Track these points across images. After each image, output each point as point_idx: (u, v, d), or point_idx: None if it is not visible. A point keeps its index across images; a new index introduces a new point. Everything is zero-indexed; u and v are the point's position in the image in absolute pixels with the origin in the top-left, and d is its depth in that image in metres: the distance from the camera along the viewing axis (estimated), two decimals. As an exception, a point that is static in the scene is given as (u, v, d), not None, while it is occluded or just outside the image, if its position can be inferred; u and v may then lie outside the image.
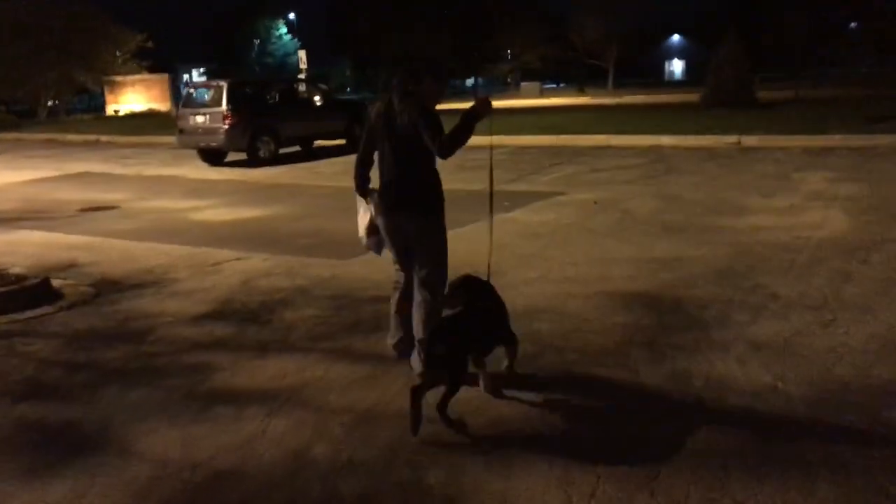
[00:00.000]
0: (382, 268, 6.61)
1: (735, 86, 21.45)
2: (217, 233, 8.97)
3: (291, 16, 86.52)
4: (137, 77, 40.61)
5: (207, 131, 16.04)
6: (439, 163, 4.00)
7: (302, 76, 23.51)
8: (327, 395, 4.03)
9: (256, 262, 7.26)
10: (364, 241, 4.37)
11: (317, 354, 4.66)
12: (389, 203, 4.05)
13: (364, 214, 4.28)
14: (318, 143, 18.71)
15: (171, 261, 7.48)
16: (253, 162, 15.83)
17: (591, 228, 8.09)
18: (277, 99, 17.71)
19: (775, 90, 25.33)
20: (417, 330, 4.04)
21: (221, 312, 5.68)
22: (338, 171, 14.08)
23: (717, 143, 14.99)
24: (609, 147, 15.70)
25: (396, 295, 4.28)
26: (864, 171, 10.95)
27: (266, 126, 16.29)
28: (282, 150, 16.72)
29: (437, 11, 62.35)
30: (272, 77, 44.80)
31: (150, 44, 40.49)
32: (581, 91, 54.77)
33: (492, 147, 4.51)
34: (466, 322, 3.73)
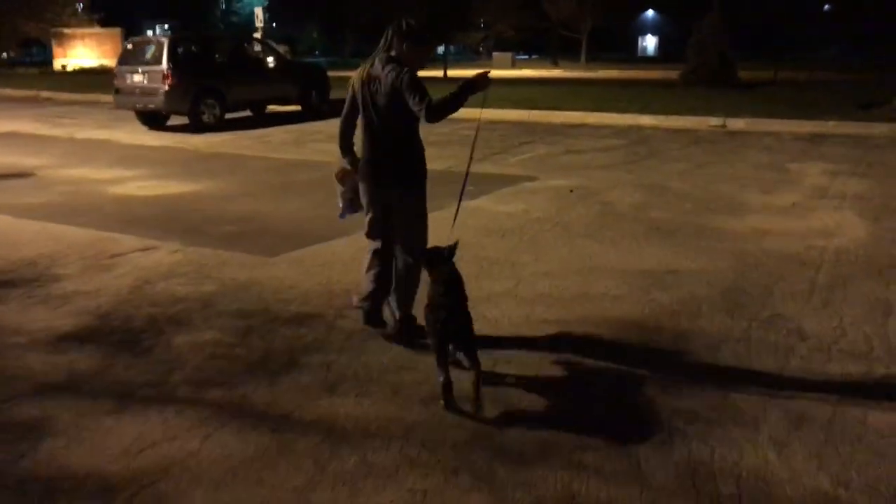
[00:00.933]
0: (312, 271, 5.44)
1: (717, 63, 20.32)
2: (132, 212, 7.65)
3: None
4: (88, 31, 38.35)
5: (146, 92, 14.48)
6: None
7: (257, 35, 21.67)
8: (193, 492, 2.78)
9: (162, 256, 5.96)
10: (339, 205, 4.28)
11: (199, 410, 3.40)
12: (372, 174, 3.95)
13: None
14: (272, 108, 17.25)
15: (63, 249, 6.15)
16: (196, 127, 14.34)
17: (566, 225, 6.89)
18: (226, 59, 16.12)
19: (753, 70, 24.20)
20: (395, 300, 4.08)
21: (94, 331, 4.39)
22: (288, 141, 12.71)
23: (701, 124, 13.88)
24: (584, 125, 14.53)
25: (369, 257, 4.12)
26: (864, 163, 9.89)
27: (211, 88, 14.74)
28: (229, 115, 15.23)
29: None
30: (221, 34, 42.48)
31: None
32: (554, 63, 53.53)
33: (479, 127, 4.42)
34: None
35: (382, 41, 3.79)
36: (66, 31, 37.69)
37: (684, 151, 11.17)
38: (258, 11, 18.56)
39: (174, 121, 14.96)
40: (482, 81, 3.68)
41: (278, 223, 7.10)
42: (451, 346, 3.43)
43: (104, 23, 40.12)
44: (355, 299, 4.23)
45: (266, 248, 6.08)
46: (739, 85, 20.61)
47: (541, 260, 5.75)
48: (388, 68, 3.71)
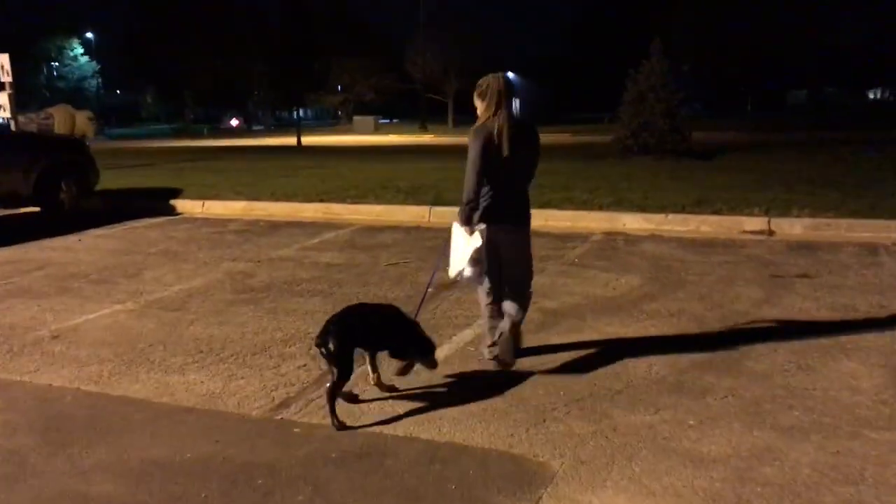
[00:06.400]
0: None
1: (664, 124, 14.93)
2: None
3: (89, 35, 75.40)
4: None
5: None
6: None
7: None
8: None
9: None
10: (465, 274, 4.10)
11: None
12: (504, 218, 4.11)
13: (465, 245, 4.06)
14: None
15: None
16: None
17: None
18: None
19: (697, 131, 19.05)
20: (509, 322, 4.16)
21: None
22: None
23: (727, 229, 8.11)
24: (547, 234, 8.24)
25: (489, 305, 4.27)
26: None
27: None
28: None
29: (254, 35, 54.05)
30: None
31: None
32: (423, 128, 48.20)
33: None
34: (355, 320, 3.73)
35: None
36: None
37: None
38: (3, 60, 11.55)
39: None
40: None
41: None
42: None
43: None
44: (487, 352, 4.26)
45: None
46: (695, 153, 15.29)
47: None
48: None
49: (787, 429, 3.42)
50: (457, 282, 4.38)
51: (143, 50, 62.60)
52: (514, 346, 4.21)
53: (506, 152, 3.93)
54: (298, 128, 33.02)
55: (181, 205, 11.07)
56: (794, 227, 7.90)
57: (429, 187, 11.26)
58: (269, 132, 51.74)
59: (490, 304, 4.27)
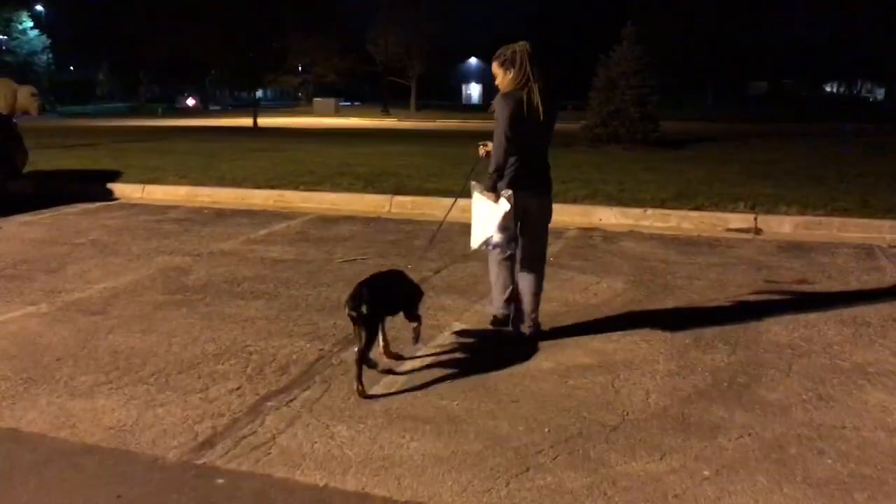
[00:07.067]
0: None
1: (635, 112, 14.35)
2: None
3: (39, 8, 72.64)
4: None
5: None
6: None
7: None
8: None
9: None
10: (494, 240, 4.05)
11: None
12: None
13: (492, 213, 4.01)
14: None
15: None
16: None
17: None
18: None
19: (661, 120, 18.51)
20: (530, 296, 4.27)
21: None
22: None
23: (710, 226, 7.55)
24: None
25: (504, 270, 4.31)
26: None
27: None
28: None
29: (212, 10, 52.19)
30: None
31: None
32: (385, 111, 47.27)
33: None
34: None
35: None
36: None
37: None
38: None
39: None
40: None
41: None
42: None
43: None
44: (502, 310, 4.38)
45: None
46: (666, 142, 14.76)
47: None
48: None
49: (823, 483, 2.81)
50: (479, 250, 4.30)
51: (95, 24, 60.40)
52: (536, 318, 4.35)
53: (542, 118, 3.98)
54: (255, 108, 31.87)
55: (119, 189, 10.19)
56: (782, 225, 7.36)
57: (390, 174, 10.53)
58: (227, 112, 50.27)
59: (504, 259, 4.29)
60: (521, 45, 4.02)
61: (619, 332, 4.51)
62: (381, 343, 3.92)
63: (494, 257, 4.30)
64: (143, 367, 4.04)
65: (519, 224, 4.13)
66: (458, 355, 4.19)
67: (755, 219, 7.43)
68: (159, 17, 53.00)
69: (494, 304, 4.43)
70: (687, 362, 4.03)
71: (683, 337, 4.43)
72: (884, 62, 52.87)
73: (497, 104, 4.00)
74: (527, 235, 4.21)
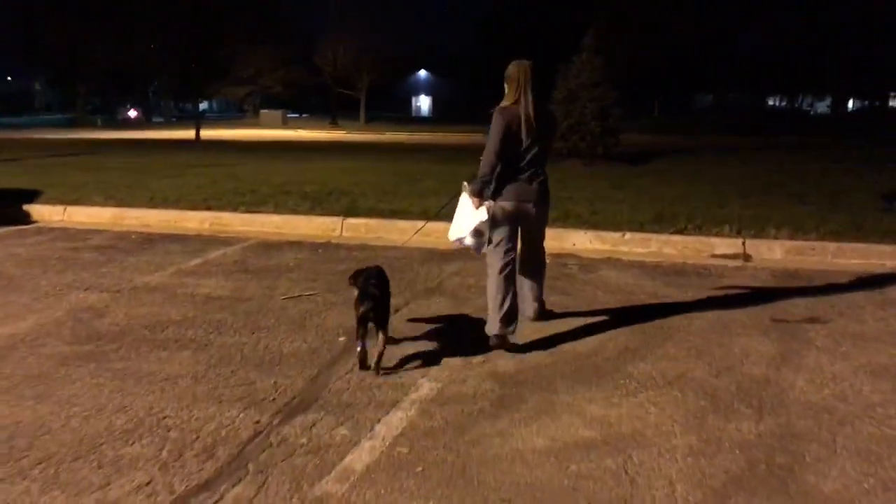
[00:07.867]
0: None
1: (596, 126, 13.76)
2: None
3: (-27, 18, 69.80)
4: None
5: None
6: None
7: None
8: None
9: None
10: (466, 241, 4.34)
11: None
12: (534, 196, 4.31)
13: (471, 216, 4.25)
14: None
15: None
16: None
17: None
18: None
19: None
20: (534, 283, 4.61)
21: None
22: None
23: (694, 252, 6.90)
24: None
25: (504, 281, 4.28)
26: None
27: None
28: None
29: (153, 19, 50.58)
30: None
31: None
32: (334, 123, 46.32)
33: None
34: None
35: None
36: None
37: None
38: None
39: None
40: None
41: None
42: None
43: None
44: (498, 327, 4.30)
45: None
46: (624, 157, 14.20)
47: None
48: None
49: None
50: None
51: (32, 34, 58.00)
52: (541, 298, 4.72)
53: (529, 136, 4.14)
54: (198, 120, 30.67)
55: (37, 211, 9.14)
56: (773, 251, 6.74)
57: (340, 192, 9.69)
58: (170, 125, 48.71)
59: (503, 273, 4.30)
60: (522, 64, 4.20)
61: (619, 392, 3.77)
62: (358, 348, 3.89)
63: (494, 272, 4.29)
64: (26, 451, 3.15)
65: (519, 230, 4.36)
66: (428, 426, 3.38)
67: (743, 243, 6.80)
68: (96, 27, 51.13)
69: (491, 325, 4.32)
70: (709, 435, 3.30)
71: (696, 397, 3.70)
72: (824, 77, 53.82)
73: (493, 116, 4.18)
74: (527, 239, 4.47)
